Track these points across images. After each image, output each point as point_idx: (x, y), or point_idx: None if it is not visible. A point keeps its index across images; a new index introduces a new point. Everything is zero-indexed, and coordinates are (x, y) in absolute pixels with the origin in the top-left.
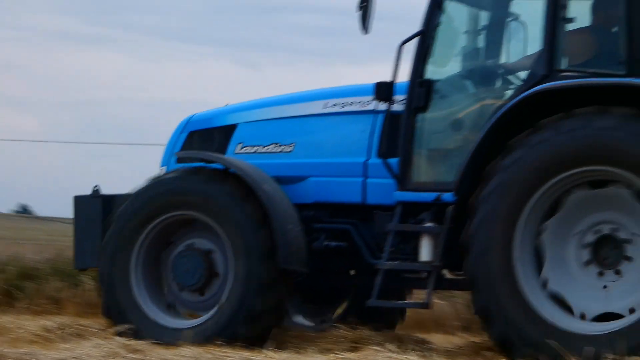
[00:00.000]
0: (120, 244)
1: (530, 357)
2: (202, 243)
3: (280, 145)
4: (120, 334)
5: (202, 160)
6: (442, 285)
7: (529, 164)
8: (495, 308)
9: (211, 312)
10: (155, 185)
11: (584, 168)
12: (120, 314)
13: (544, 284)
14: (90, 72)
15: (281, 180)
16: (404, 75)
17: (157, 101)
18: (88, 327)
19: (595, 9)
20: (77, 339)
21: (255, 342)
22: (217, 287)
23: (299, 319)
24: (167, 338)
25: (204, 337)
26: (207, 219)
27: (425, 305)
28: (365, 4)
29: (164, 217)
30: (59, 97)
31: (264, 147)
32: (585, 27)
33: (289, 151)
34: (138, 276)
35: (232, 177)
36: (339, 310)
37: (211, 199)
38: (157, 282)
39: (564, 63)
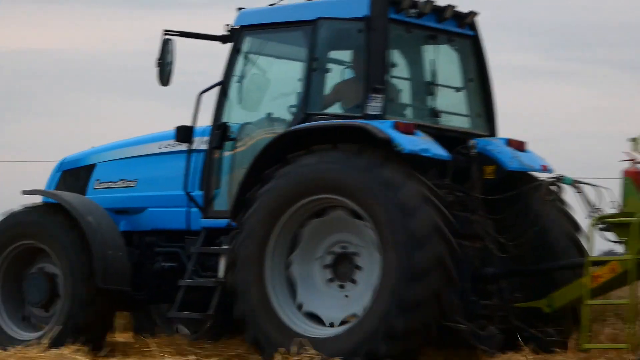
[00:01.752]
0: None
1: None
2: (50, 267)
3: (127, 181)
4: None
5: (49, 196)
6: None
7: (277, 192)
8: (249, 318)
9: (49, 326)
10: (7, 218)
11: (319, 196)
12: None
13: (300, 307)
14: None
15: (128, 211)
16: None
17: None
18: None
19: (343, 63)
20: None
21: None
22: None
23: (182, 329)
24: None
25: (42, 347)
26: (44, 246)
27: (210, 317)
28: (161, 61)
29: (14, 245)
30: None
31: (115, 183)
32: (338, 78)
33: (133, 186)
34: None
35: (64, 210)
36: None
37: (45, 229)
38: (16, 299)
39: (316, 107)
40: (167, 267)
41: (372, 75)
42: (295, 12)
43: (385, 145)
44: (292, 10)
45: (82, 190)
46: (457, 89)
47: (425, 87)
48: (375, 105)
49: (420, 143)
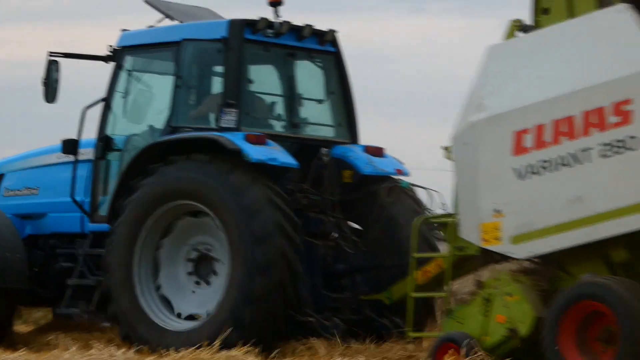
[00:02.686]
0: None
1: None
2: None
3: (30, 189)
4: None
5: None
6: None
7: (139, 202)
8: (120, 314)
9: None
10: None
11: (178, 202)
12: None
13: (158, 288)
14: None
15: (32, 217)
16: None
17: None
18: None
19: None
20: None
21: None
22: None
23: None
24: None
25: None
26: None
27: (91, 312)
28: (47, 80)
29: None
30: None
31: (20, 191)
32: (197, 92)
33: (36, 193)
34: None
35: None
36: None
37: None
38: None
39: (181, 121)
40: (66, 267)
41: (227, 91)
42: (165, 33)
43: (236, 155)
44: (163, 32)
45: None
46: (320, 101)
47: (287, 101)
48: (229, 118)
49: (269, 153)
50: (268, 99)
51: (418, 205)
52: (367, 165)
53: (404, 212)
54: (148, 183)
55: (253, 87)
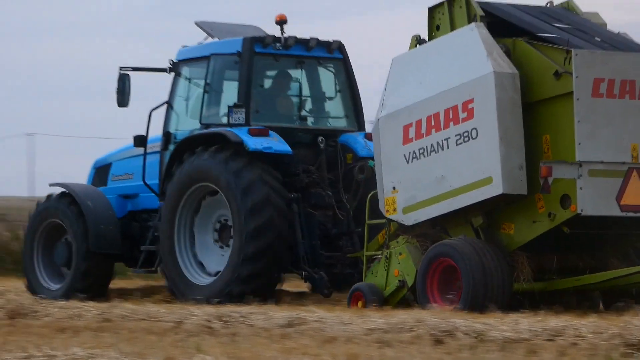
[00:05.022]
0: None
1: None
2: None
3: (128, 175)
4: None
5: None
6: None
7: (177, 182)
8: (166, 272)
9: (66, 279)
10: (39, 205)
11: (200, 184)
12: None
13: (195, 255)
14: None
15: (130, 196)
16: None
17: None
18: None
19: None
20: None
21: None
22: None
23: None
24: None
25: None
26: (62, 223)
27: (154, 271)
28: (120, 89)
29: (45, 223)
30: None
31: (121, 176)
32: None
33: (131, 178)
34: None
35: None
36: None
37: (62, 212)
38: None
39: (210, 119)
40: (154, 235)
41: (239, 95)
42: (203, 49)
43: (240, 146)
44: (202, 48)
45: (105, 183)
46: (329, 98)
47: (299, 99)
48: (237, 116)
49: (266, 142)
50: (281, 99)
51: None
52: (364, 148)
53: None
54: (179, 169)
55: (266, 90)
